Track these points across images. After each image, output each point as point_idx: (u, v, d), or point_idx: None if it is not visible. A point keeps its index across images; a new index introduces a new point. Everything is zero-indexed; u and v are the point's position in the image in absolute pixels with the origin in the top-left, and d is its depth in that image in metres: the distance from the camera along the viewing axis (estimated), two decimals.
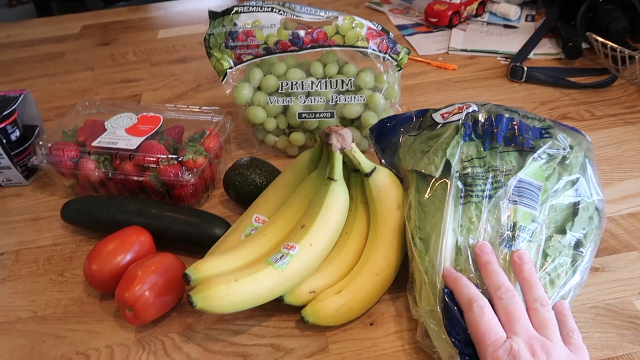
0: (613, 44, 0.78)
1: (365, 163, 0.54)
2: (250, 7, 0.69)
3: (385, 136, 0.61)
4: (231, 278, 0.47)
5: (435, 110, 0.59)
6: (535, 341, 0.41)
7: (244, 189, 0.63)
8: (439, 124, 0.56)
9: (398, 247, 0.53)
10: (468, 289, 0.45)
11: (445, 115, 0.56)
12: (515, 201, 0.48)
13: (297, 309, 0.51)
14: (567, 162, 0.52)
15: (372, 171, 0.54)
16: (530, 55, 0.96)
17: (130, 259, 0.55)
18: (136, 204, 0.62)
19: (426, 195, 0.51)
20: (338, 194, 0.53)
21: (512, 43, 1.00)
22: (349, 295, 0.51)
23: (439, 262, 0.47)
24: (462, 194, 0.49)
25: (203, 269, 0.48)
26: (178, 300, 0.54)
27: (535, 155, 0.51)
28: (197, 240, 0.59)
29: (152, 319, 0.52)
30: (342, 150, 0.53)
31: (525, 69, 0.87)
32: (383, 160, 0.60)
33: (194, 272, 0.48)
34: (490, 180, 0.49)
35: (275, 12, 0.69)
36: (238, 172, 0.64)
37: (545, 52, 0.97)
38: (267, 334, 0.52)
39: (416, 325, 0.51)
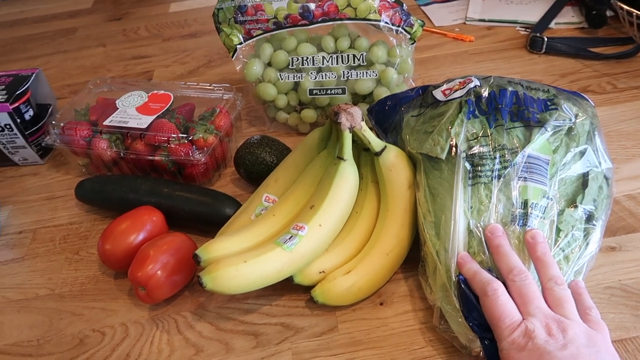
0: (639, 12, 0.74)
1: (375, 142, 0.53)
2: None
3: (386, 117, 0.59)
4: (240, 259, 0.47)
5: (436, 87, 0.57)
6: (551, 320, 0.41)
7: (255, 167, 0.63)
8: (441, 101, 0.54)
9: (409, 226, 0.53)
10: (481, 275, 0.44)
11: (447, 92, 0.55)
12: (525, 178, 0.48)
13: (307, 289, 0.51)
14: (573, 132, 0.51)
15: (383, 150, 0.53)
16: (552, 25, 0.92)
17: (142, 238, 0.56)
18: (148, 184, 0.62)
19: (434, 178, 0.50)
20: (347, 174, 0.52)
21: (533, 12, 0.96)
22: (358, 275, 0.51)
23: (452, 246, 0.47)
24: (471, 175, 0.48)
25: (213, 249, 0.49)
26: (190, 279, 0.55)
27: (542, 129, 0.49)
28: (209, 219, 0.59)
29: (165, 298, 0.53)
30: (352, 129, 0.52)
31: (546, 39, 0.84)
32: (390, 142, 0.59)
33: (204, 253, 0.48)
34: (498, 159, 0.48)
35: None
36: (248, 151, 0.64)
37: (568, 21, 0.93)
38: (277, 313, 0.52)
39: (426, 306, 0.51)
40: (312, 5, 0.67)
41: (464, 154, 0.49)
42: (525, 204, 0.47)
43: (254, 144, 0.64)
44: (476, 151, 0.49)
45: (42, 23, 1.19)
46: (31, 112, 0.73)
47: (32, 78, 0.74)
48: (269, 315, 0.52)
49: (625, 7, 0.75)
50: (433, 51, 0.90)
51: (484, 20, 0.97)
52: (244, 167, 0.64)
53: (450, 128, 0.50)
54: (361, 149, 0.56)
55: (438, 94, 0.55)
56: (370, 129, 0.54)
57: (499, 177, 0.48)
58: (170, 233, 0.57)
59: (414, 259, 0.54)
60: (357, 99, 0.72)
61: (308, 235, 0.49)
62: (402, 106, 0.58)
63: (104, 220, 0.65)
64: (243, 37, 0.70)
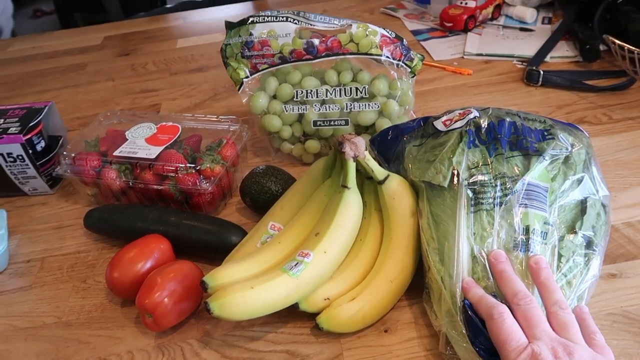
0: (631, 46, 0.77)
1: (378, 170, 0.55)
2: (266, 17, 0.71)
3: (388, 147, 0.61)
4: (247, 285, 0.48)
5: (436, 118, 0.59)
6: (557, 343, 0.41)
7: (260, 196, 0.64)
8: (442, 132, 0.56)
9: (412, 253, 0.54)
10: (487, 299, 0.45)
11: (447, 123, 0.57)
12: (526, 204, 0.49)
13: (312, 316, 0.52)
14: (570, 161, 0.52)
15: (386, 178, 0.55)
16: (547, 59, 0.95)
17: (150, 266, 0.56)
18: (156, 212, 0.64)
19: (437, 205, 0.52)
20: (352, 202, 0.53)
21: (529, 46, 0.99)
22: (363, 302, 0.51)
23: (456, 272, 0.47)
24: (473, 202, 0.50)
25: (220, 276, 0.49)
26: (196, 307, 0.56)
27: (541, 158, 0.51)
28: (215, 247, 0.60)
29: (171, 325, 0.54)
30: (356, 158, 0.54)
31: (542, 72, 0.87)
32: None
33: (211, 280, 0.49)
34: (499, 186, 0.50)
35: (290, 21, 0.70)
36: (254, 180, 0.65)
37: (562, 55, 0.96)
38: (282, 341, 0.52)
39: (431, 332, 0.51)
40: (316, 41, 0.70)
41: (465, 182, 0.51)
42: (527, 230, 0.48)
43: (259, 174, 0.66)
44: (477, 179, 0.50)
45: (53, 58, 1.23)
46: (43, 144, 0.75)
47: (45, 110, 0.76)
48: (275, 342, 0.52)
49: (617, 41, 0.78)
50: (433, 84, 0.93)
51: (481, 55, 1.00)
52: (249, 196, 0.65)
53: (452, 157, 0.52)
54: (364, 177, 0.57)
55: (439, 124, 0.57)
56: (374, 158, 0.56)
57: (501, 204, 0.49)
58: (177, 261, 0.58)
59: (418, 286, 0.54)
60: (360, 130, 0.74)
61: (313, 262, 0.50)
62: (403, 136, 0.60)
63: (112, 249, 0.66)
64: (249, 71, 0.72)
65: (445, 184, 0.51)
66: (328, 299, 0.52)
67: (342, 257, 0.53)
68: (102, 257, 0.65)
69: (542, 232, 0.48)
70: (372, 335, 0.52)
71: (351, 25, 0.70)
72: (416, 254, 0.54)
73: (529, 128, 0.54)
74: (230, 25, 0.73)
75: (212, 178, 0.65)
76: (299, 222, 0.56)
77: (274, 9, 0.73)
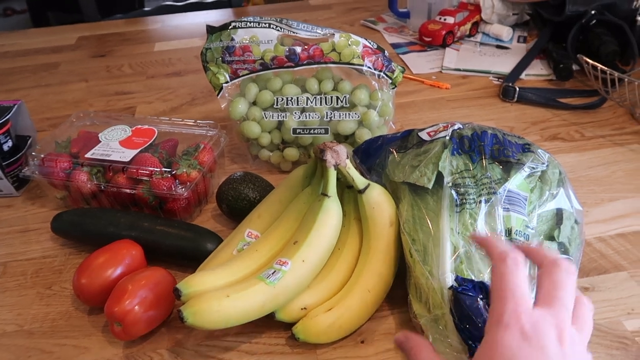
0: (603, 67, 0.79)
1: (358, 179, 0.55)
2: (248, 23, 0.70)
3: (371, 156, 0.62)
4: (222, 294, 0.47)
5: (421, 130, 0.60)
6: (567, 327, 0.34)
7: (237, 203, 0.63)
8: (426, 141, 0.57)
9: (390, 264, 0.53)
10: (503, 243, 0.38)
11: (432, 133, 0.58)
12: (508, 208, 0.50)
13: (288, 326, 0.51)
14: (546, 177, 0.54)
15: (366, 188, 0.55)
16: (522, 76, 0.97)
17: (120, 272, 0.54)
18: (128, 217, 0.62)
19: (420, 209, 0.52)
20: (331, 210, 0.53)
21: (505, 63, 1.01)
22: (340, 313, 0.50)
23: (440, 269, 0.48)
24: (457, 203, 0.50)
25: (194, 284, 0.48)
26: (168, 316, 0.54)
27: (521, 167, 0.52)
28: (189, 254, 0.58)
29: (141, 334, 0.52)
30: (337, 167, 0.54)
31: (517, 89, 0.89)
32: (374, 180, 0.60)
33: (185, 287, 0.48)
34: (482, 189, 0.51)
35: (272, 28, 0.70)
36: (231, 187, 0.64)
37: (537, 73, 0.99)
38: (257, 351, 0.51)
39: None
40: (299, 49, 0.69)
41: (449, 184, 0.52)
42: (509, 232, 0.49)
43: (237, 180, 0.64)
44: (460, 182, 0.52)
45: (25, 57, 1.19)
46: (10, 143, 0.72)
47: (13, 109, 0.73)
48: (249, 353, 0.51)
49: (590, 61, 0.80)
50: (411, 97, 0.94)
51: (459, 70, 1.01)
52: (226, 203, 0.64)
53: (437, 162, 0.53)
54: (345, 186, 0.57)
55: (424, 135, 0.58)
56: (355, 167, 0.55)
57: (483, 205, 0.50)
58: (149, 268, 0.56)
59: (395, 297, 0.54)
60: (339, 139, 0.73)
61: (291, 270, 0.49)
62: (388, 146, 0.60)
63: (80, 254, 0.63)
64: (229, 77, 0.71)
65: (430, 186, 0.52)
66: (305, 308, 0.51)
67: (321, 266, 0.53)
68: (69, 263, 0.62)
69: (524, 233, 0.49)
70: (349, 346, 0.51)
71: (334, 34, 0.70)
72: (394, 265, 0.54)
73: (509, 141, 0.55)
74: (211, 30, 0.72)
75: (188, 183, 0.63)
76: (277, 230, 0.55)
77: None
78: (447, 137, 0.55)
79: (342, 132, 0.71)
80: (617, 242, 0.61)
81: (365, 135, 0.70)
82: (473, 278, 0.46)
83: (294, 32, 0.70)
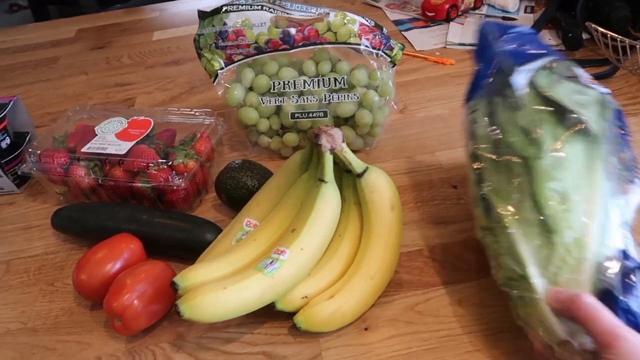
0: (614, 34, 0.75)
1: (356, 163, 0.53)
2: (240, 6, 0.68)
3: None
4: (219, 286, 0.46)
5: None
6: None
7: (236, 192, 0.62)
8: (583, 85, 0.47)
9: (393, 248, 0.52)
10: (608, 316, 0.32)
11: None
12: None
13: (290, 315, 0.50)
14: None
15: (364, 171, 0.53)
16: None
17: (119, 267, 0.54)
18: (126, 211, 0.61)
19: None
20: (329, 196, 0.51)
21: None
22: (342, 300, 0.49)
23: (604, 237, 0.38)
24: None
25: (191, 277, 0.47)
26: (169, 309, 0.53)
27: None
28: (188, 246, 0.57)
29: (142, 329, 0.51)
30: (333, 151, 0.52)
31: None
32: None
33: (181, 281, 0.47)
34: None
35: (265, 9, 0.68)
36: (230, 176, 0.63)
37: (545, 43, 0.95)
38: (259, 342, 0.50)
39: (412, 330, 0.50)
40: (293, 30, 0.67)
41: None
42: None
43: (235, 169, 0.63)
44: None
45: (24, 52, 1.18)
46: (8, 141, 0.72)
47: (9, 106, 0.73)
48: (251, 344, 0.50)
49: (600, 29, 0.77)
50: (415, 74, 0.91)
51: (463, 44, 0.98)
52: (225, 192, 0.63)
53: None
54: (343, 170, 0.55)
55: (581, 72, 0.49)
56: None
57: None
58: (148, 261, 0.55)
59: (399, 282, 0.53)
60: (339, 121, 0.71)
61: (289, 259, 0.48)
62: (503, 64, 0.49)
63: (81, 250, 0.63)
64: (224, 62, 0.70)
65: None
66: (306, 297, 0.50)
67: (320, 253, 0.51)
68: (71, 259, 0.62)
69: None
70: (352, 334, 0.50)
71: (329, 13, 0.68)
72: (396, 250, 0.52)
73: None
74: (203, 15, 0.70)
75: (186, 174, 0.62)
76: (275, 218, 0.54)
77: None
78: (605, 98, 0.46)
79: (341, 114, 0.69)
80: None
81: (365, 116, 0.68)
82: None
83: (287, 13, 0.68)
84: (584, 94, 0.47)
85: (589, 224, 0.39)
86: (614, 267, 0.37)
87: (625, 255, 0.38)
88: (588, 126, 0.43)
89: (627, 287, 0.37)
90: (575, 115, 0.44)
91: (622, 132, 0.46)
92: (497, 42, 0.51)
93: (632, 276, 0.37)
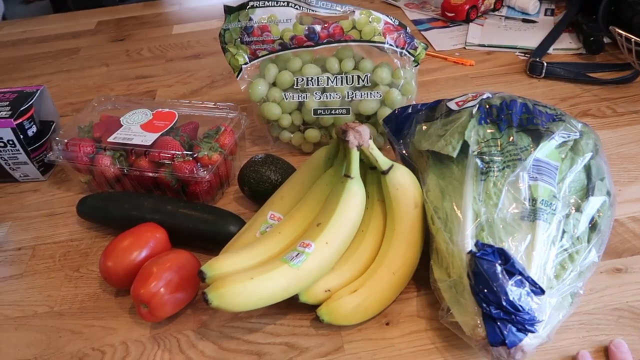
0: (637, 38, 0.75)
1: (382, 160, 0.53)
2: (266, 2, 0.69)
3: (400, 125, 0.62)
4: (246, 276, 0.47)
5: (450, 100, 0.59)
6: None
7: (259, 186, 0.63)
8: (454, 110, 0.56)
9: (415, 245, 0.53)
10: None
11: (460, 103, 0.57)
12: (536, 178, 0.49)
13: (312, 308, 0.51)
14: (578, 147, 0.53)
15: (390, 169, 0.53)
16: (550, 51, 0.94)
17: (145, 255, 0.55)
18: (151, 201, 0.62)
19: (444, 178, 0.52)
20: (355, 192, 0.52)
21: (531, 38, 0.98)
22: (364, 295, 0.50)
23: (461, 235, 0.47)
24: (483, 171, 0.50)
25: (218, 266, 0.48)
26: (193, 298, 0.54)
27: (550, 137, 0.51)
28: (212, 237, 0.58)
29: (167, 316, 0.52)
30: (359, 147, 0.53)
31: (545, 64, 0.85)
32: (403, 150, 0.60)
33: (209, 270, 0.48)
34: (508, 159, 0.50)
35: (291, 6, 0.68)
36: (253, 169, 0.63)
37: (565, 47, 0.95)
38: (281, 333, 0.51)
39: (433, 326, 0.51)
40: (318, 27, 0.68)
41: (475, 153, 0.51)
42: (534, 201, 0.48)
43: (258, 162, 0.64)
44: (486, 150, 0.51)
45: (45, 43, 1.20)
46: (34, 129, 0.73)
47: (36, 95, 0.74)
48: (273, 334, 0.51)
49: (624, 33, 0.77)
50: (434, 74, 0.91)
51: (483, 46, 0.98)
52: (248, 185, 0.64)
53: (463, 131, 0.52)
54: (368, 167, 0.56)
55: (452, 104, 0.58)
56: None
57: (509, 174, 0.49)
58: (173, 250, 0.56)
59: (420, 279, 0.53)
60: (361, 119, 0.72)
61: (315, 252, 0.49)
62: (416, 116, 0.60)
63: (105, 238, 0.64)
64: (248, 58, 0.70)
65: (454, 155, 0.52)
66: (329, 290, 0.51)
67: (344, 248, 0.52)
68: (96, 246, 0.63)
69: (550, 203, 0.48)
70: (374, 328, 0.51)
71: (354, 11, 0.68)
72: (419, 246, 0.53)
73: (540, 110, 0.54)
74: (229, 10, 0.71)
75: (210, 166, 0.63)
76: (299, 212, 0.54)
77: None
78: (475, 107, 0.54)
79: (363, 112, 0.70)
80: None
81: (387, 115, 0.69)
82: (493, 244, 0.46)
83: (313, 10, 0.69)
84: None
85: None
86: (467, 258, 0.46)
87: (477, 244, 0.47)
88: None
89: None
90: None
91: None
92: None
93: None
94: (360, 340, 0.50)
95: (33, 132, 0.73)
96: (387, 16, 0.69)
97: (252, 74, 0.72)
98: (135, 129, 0.67)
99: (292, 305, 0.51)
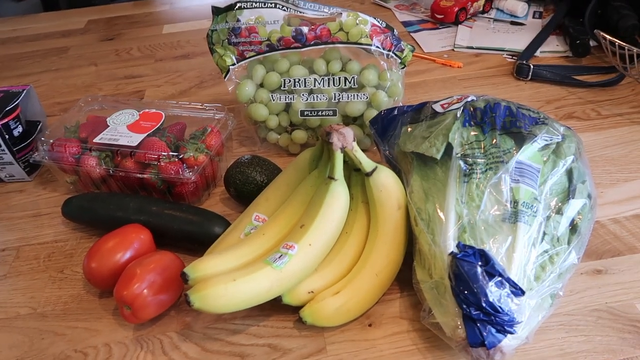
0: (621, 42, 0.76)
1: (366, 162, 0.54)
2: (254, 3, 0.69)
3: (387, 127, 0.62)
4: (229, 278, 0.47)
5: (435, 102, 0.60)
6: None
7: (245, 187, 0.63)
8: (439, 113, 0.57)
9: (398, 247, 0.53)
10: None
11: (445, 106, 0.58)
12: (517, 180, 0.50)
13: (296, 309, 0.51)
14: (560, 150, 0.53)
15: (373, 170, 0.54)
16: (537, 53, 0.94)
17: (129, 256, 0.55)
18: (136, 202, 0.62)
19: (428, 180, 0.53)
20: (338, 194, 0.52)
21: (519, 40, 0.99)
22: (347, 296, 0.50)
23: (443, 237, 0.48)
24: (466, 173, 0.50)
25: (201, 268, 0.48)
26: (177, 299, 0.54)
27: (532, 140, 0.52)
28: (197, 238, 0.58)
29: (151, 318, 0.52)
30: (343, 149, 0.53)
31: (532, 67, 0.86)
32: (387, 151, 0.60)
33: (192, 271, 0.48)
34: (491, 160, 0.51)
35: (278, 8, 0.68)
36: (239, 170, 0.64)
37: (552, 49, 0.96)
38: (265, 334, 0.51)
39: (415, 327, 0.51)
40: (305, 29, 0.68)
41: (458, 155, 0.51)
42: (516, 203, 0.49)
43: (244, 164, 0.64)
44: (469, 153, 0.52)
45: (34, 42, 1.19)
46: (20, 129, 0.73)
47: (22, 94, 0.73)
48: (257, 336, 0.51)
49: (608, 37, 0.77)
50: (422, 76, 0.92)
51: (471, 48, 0.99)
52: (234, 187, 0.64)
53: (447, 133, 0.53)
54: (352, 169, 0.56)
55: (437, 107, 0.58)
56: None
57: (491, 176, 0.50)
58: (157, 252, 0.56)
59: (404, 280, 0.54)
60: (348, 120, 0.72)
61: (298, 254, 0.49)
62: (401, 118, 0.60)
63: (91, 239, 0.64)
64: (236, 58, 0.70)
65: (438, 156, 0.52)
66: (312, 292, 0.51)
67: (328, 249, 0.52)
68: (80, 247, 0.63)
69: (531, 205, 0.49)
70: (356, 330, 0.51)
71: (341, 13, 0.69)
72: (402, 248, 0.53)
73: (523, 114, 0.55)
74: (217, 11, 0.71)
75: (196, 167, 0.63)
76: (284, 213, 0.55)
77: None
78: (460, 109, 0.54)
79: (350, 113, 0.70)
80: (632, 223, 0.60)
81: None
82: (474, 246, 0.46)
83: (300, 12, 0.69)
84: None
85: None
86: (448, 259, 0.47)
87: (459, 245, 0.47)
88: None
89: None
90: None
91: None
92: None
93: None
94: (342, 341, 0.50)
95: (19, 132, 0.72)
96: (375, 18, 0.70)
97: (239, 75, 0.72)
98: (121, 129, 0.67)
99: (275, 307, 0.51)
